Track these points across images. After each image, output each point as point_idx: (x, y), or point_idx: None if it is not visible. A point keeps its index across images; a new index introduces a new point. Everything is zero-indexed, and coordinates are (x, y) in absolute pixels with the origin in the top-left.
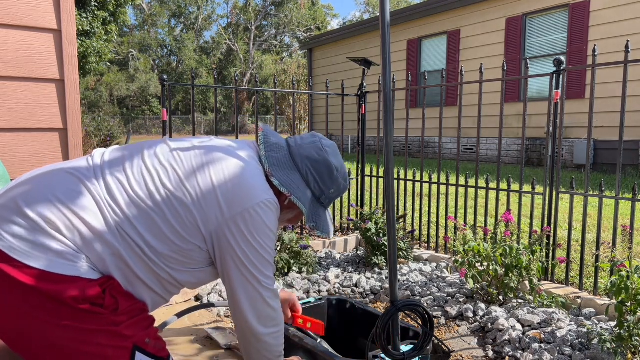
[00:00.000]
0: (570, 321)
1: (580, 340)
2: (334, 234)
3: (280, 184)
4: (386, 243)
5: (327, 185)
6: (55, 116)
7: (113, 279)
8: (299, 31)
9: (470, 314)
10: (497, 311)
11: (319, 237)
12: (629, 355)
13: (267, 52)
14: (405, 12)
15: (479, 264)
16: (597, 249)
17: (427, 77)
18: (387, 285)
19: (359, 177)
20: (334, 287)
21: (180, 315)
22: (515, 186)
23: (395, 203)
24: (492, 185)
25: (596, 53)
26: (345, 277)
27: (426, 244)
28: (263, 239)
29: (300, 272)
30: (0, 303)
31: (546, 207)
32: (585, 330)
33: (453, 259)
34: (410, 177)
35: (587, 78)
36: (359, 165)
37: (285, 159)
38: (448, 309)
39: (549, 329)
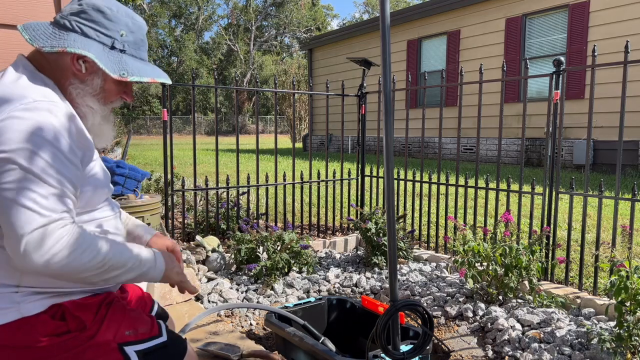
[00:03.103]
0: (570, 321)
1: (579, 340)
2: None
3: (52, 47)
4: (386, 243)
5: (111, 29)
6: None
7: (61, 304)
8: (299, 31)
9: (470, 314)
10: (497, 311)
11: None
12: (629, 355)
13: (267, 52)
14: (405, 13)
15: (479, 263)
16: (597, 249)
17: (427, 78)
18: (387, 285)
19: (359, 177)
20: (334, 287)
21: (200, 317)
22: (514, 186)
23: (395, 203)
24: (492, 185)
25: (596, 53)
26: (345, 277)
27: (426, 244)
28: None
29: (300, 271)
30: None
31: (545, 207)
32: (584, 330)
33: (453, 258)
34: (410, 177)
35: (587, 78)
36: (359, 165)
37: (46, 28)
38: (448, 308)
39: (549, 329)
